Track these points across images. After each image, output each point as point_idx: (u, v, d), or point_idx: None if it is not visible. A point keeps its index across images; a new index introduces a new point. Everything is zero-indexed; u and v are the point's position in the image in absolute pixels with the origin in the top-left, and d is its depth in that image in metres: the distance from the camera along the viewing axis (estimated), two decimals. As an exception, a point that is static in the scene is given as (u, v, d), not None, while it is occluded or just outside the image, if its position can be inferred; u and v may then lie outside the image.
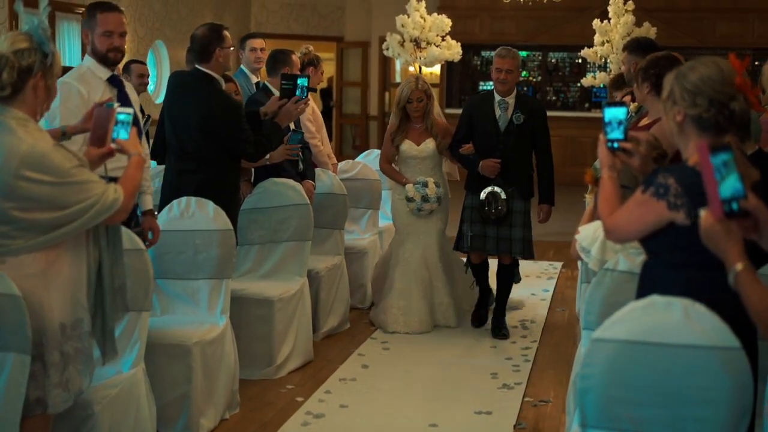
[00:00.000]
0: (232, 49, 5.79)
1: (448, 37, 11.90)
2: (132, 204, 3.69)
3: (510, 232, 6.96)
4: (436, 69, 16.50)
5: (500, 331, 7.10)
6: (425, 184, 7.15)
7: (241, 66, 7.97)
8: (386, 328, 7.20)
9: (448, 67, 17.07)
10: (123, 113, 3.79)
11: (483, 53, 18.34)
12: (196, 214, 5.36)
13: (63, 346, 3.59)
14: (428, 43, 11.82)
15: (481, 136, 7.00)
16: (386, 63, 18.24)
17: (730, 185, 2.63)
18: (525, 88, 18.31)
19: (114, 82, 5.09)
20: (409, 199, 7.18)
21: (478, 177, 7.02)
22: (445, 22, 11.83)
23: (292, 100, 5.94)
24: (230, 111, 5.57)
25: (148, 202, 5.18)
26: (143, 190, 5.12)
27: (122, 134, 3.76)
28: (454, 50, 11.87)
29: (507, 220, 6.94)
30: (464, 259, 7.49)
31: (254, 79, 7.72)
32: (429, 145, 7.24)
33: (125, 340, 4.39)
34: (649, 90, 4.90)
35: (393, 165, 7.38)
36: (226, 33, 5.72)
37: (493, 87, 7.12)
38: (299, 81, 5.98)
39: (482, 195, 6.95)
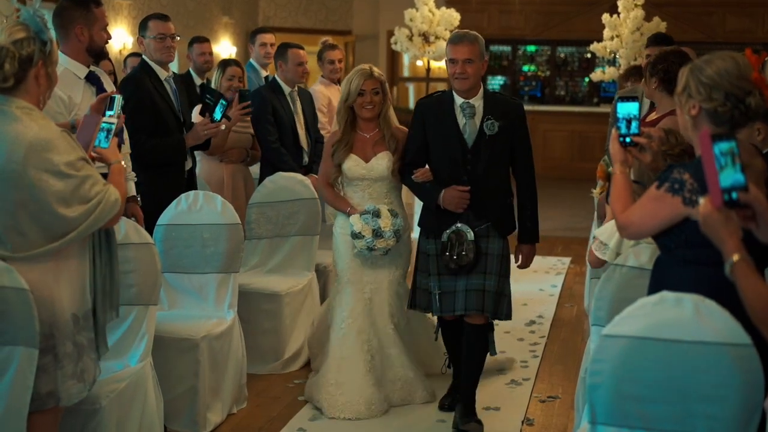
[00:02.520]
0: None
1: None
2: (123, 209, 3.70)
3: (483, 281, 5.04)
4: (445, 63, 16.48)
5: (469, 421, 5.09)
6: (377, 213, 5.23)
7: (251, 60, 8.02)
8: (322, 410, 5.33)
9: (457, 61, 17.02)
10: (105, 122, 3.80)
11: (492, 48, 18.30)
12: (203, 208, 5.34)
13: (76, 337, 3.61)
14: (437, 38, 11.80)
15: (441, 155, 5.08)
16: (394, 57, 18.22)
17: (730, 174, 2.62)
18: (534, 84, 18.52)
19: (92, 79, 5.03)
20: (356, 235, 5.23)
21: (440, 213, 5.08)
22: (454, 16, 11.81)
23: (202, 121, 5.77)
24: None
25: (132, 188, 5.15)
26: (126, 176, 5.10)
27: (103, 143, 3.77)
28: (462, 45, 11.83)
29: (480, 266, 5.04)
30: (430, 316, 5.66)
31: (264, 74, 7.75)
32: (382, 161, 5.30)
33: (132, 334, 4.38)
34: (657, 85, 4.89)
35: (336, 188, 5.49)
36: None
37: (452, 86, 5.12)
38: (221, 102, 5.80)
39: (443, 237, 5.04)
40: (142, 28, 5.93)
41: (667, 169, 3.09)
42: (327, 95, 7.66)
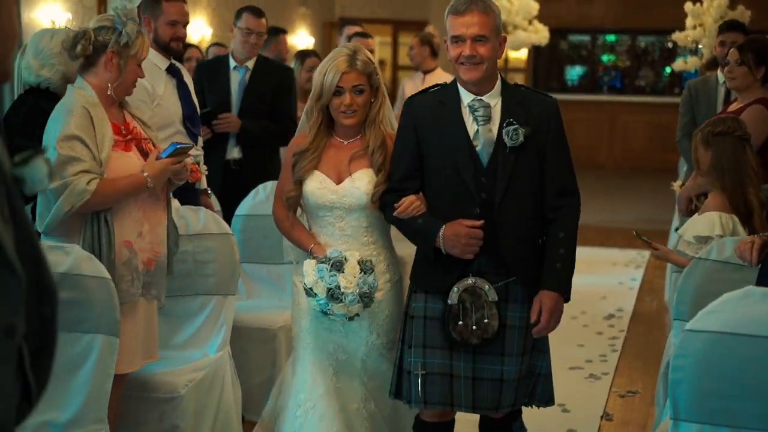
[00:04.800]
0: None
1: (535, 21, 11.76)
2: (103, 205, 3.66)
3: (501, 367, 3.59)
4: (523, 53, 16.35)
5: None
6: (338, 265, 3.59)
7: None
8: None
9: (535, 51, 16.90)
10: (182, 146, 3.86)
11: (571, 37, 18.12)
12: (281, 199, 5.36)
13: None
14: (515, 27, 11.71)
15: (442, 177, 3.59)
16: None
17: None
18: (613, 74, 18.30)
19: (173, 72, 5.11)
20: (307, 291, 3.66)
21: (441, 261, 3.56)
22: (532, 5, 11.69)
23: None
24: None
25: (203, 181, 5.23)
26: (200, 169, 5.18)
27: (162, 154, 3.81)
28: (541, 34, 11.74)
29: (496, 344, 3.56)
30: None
31: None
32: (360, 182, 3.70)
33: (211, 323, 4.42)
34: (746, 73, 4.77)
35: (294, 213, 3.85)
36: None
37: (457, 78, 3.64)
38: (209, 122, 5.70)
39: (452, 297, 3.53)
40: (236, 16, 6.05)
41: None
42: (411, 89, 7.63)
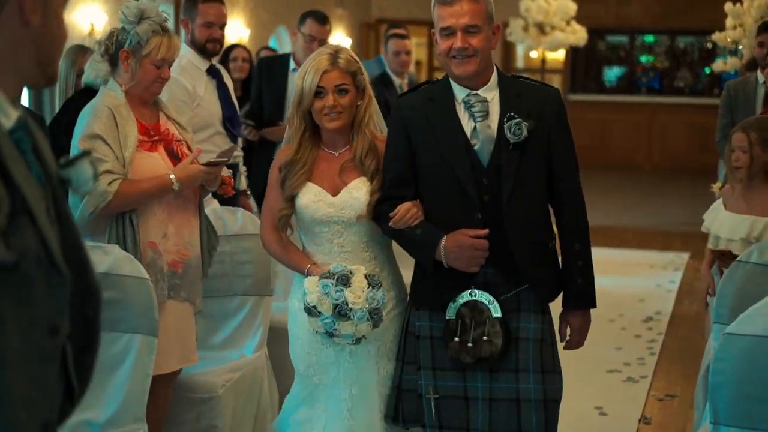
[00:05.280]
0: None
1: (572, 22, 11.71)
2: (125, 206, 3.68)
3: (516, 385, 3.28)
4: (560, 54, 16.29)
5: None
6: (344, 279, 3.29)
7: (380, 56, 7.43)
8: None
9: (573, 52, 16.82)
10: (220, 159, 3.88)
11: (609, 38, 18.02)
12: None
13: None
14: (552, 28, 11.66)
15: (439, 181, 3.30)
16: (508, 48, 18.09)
17: None
18: (652, 75, 18.16)
19: (213, 73, 5.14)
20: (310, 311, 3.34)
21: (441, 273, 3.27)
22: (570, 5, 11.65)
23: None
24: None
25: (243, 182, 5.25)
26: (239, 170, 5.22)
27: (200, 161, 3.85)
28: (578, 35, 11.69)
29: (509, 359, 3.27)
30: None
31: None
32: (358, 192, 3.42)
33: (248, 324, 4.43)
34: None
35: (287, 235, 3.54)
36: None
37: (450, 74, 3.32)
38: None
39: (449, 312, 3.27)
40: (300, 20, 6.02)
41: None
42: None
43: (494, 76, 3.29)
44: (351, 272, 3.30)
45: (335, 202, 3.41)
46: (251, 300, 4.44)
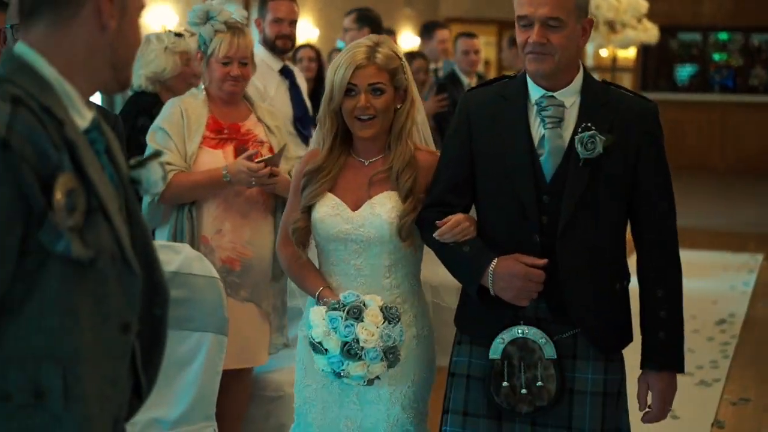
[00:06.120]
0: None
1: (644, 19, 11.55)
2: (179, 197, 3.75)
3: None
4: (631, 52, 16.07)
5: None
6: (356, 312, 2.83)
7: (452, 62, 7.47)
8: None
9: (644, 50, 16.60)
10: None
11: (681, 35, 17.75)
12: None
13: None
14: (623, 25, 11.51)
15: (495, 192, 2.84)
16: (579, 47, 17.90)
17: None
18: (725, 73, 17.84)
19: (286, 73, 5.15)
20: (315, 346, 2.88)
21: (488, 301, 2.79)
22: (642, 3, 11.46)
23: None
24: None
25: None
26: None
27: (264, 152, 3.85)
28: (650, 33, 11.51)
29: (561, 413, 2.78)
30: None
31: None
32: (382, 207, 2.97)
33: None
34: None
35: (301, 249, 3.08)
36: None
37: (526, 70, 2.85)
38: None
39: (495, 350, 2.80)
40: (346, 17, 6.19)
41: None
42: None
43: (579, 79, 2.80)
44: (364, 303, 2.84)
45: (353, 218, 2.97)
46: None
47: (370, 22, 6.03)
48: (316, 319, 2.85)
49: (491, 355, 2.78)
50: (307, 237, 3.05)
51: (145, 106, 4.33)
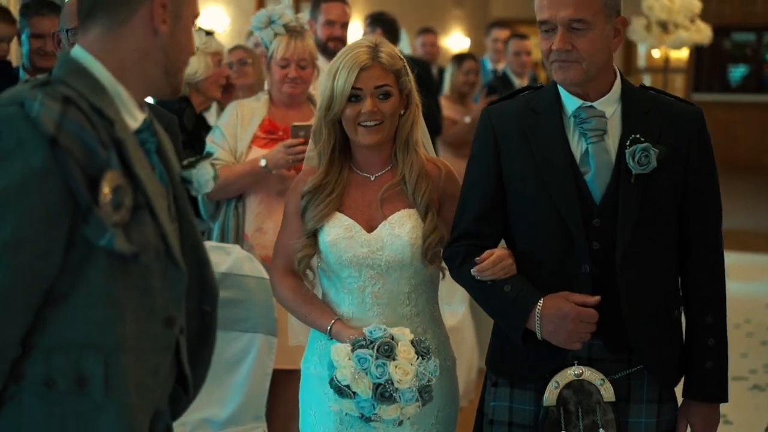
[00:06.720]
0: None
1: (697, 20, 11.44)
2: (224, 190, 3.82)
3: None
4: (683, 53, 15.93)
5: None
6: (387, 350, 2.50)
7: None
8: None
9: (696, 51, 16.44)
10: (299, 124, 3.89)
11: (734, 36, 17.57)
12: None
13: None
14: (676, 26, 11.41)
15: (536, 220, 2.53)
16: (629, 47, 17.77)
17: None
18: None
19: None
20: (341, 390, 2.52)
21: (534, 343, 2.48)
22: (695, 3, 11.36)
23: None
24: None
25: None
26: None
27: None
28: (703, 33, 11.40)
29: None
30: None
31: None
32: (402, 227, 2.68)
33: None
34: None
35: (306, 280, 2.78)
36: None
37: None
38: None
39: (549, 395, 2.49)
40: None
41: None
42: None
43: (617, 85, 2.53)
44: (394, 338, 2.52)
45: (370, 241, 2.66)
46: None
47: (383, 23, 6.05)
48: (341, 359, 2.50)
49: (546, 403, 2.48)
50: (308, 265, 2.75)
51: (173, 111, 4.28)
